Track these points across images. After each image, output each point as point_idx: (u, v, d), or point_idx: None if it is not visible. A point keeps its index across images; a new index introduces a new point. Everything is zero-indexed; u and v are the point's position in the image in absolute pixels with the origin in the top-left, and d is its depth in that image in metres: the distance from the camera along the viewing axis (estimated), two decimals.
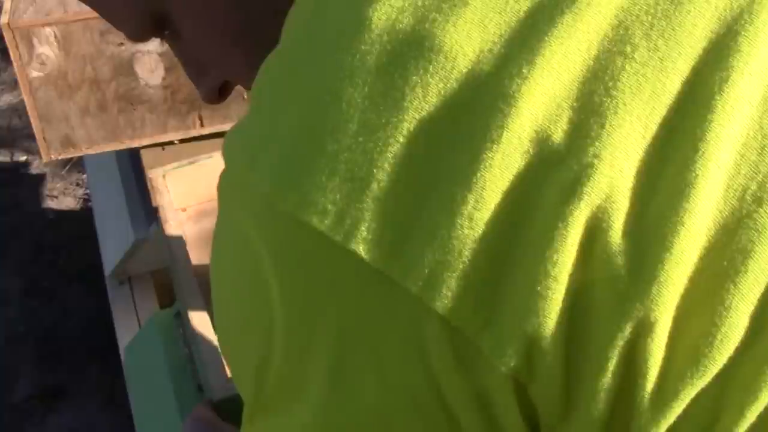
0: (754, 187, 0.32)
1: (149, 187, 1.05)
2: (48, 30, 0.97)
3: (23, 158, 2.43)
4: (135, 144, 1.08)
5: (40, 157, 1.20)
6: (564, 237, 0.31)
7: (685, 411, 0.33)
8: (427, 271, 0.32)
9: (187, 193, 1.08)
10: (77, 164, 2.36)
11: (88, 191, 2.23)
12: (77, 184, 2.36)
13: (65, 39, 0.98)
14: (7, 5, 0.98)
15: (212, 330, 0.81)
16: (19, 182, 2.36)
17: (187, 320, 0.87)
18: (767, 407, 0.33)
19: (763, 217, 0.32)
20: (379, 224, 0.32)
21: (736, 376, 0.33)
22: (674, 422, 0.33)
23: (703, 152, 0.32)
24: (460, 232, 0.31)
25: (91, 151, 1.08)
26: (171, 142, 1.09)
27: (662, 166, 0.32)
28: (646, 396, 0.33)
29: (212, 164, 1.07)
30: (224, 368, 0.79)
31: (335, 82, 0.33)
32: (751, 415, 0.33)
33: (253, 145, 0.34)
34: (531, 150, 0.32)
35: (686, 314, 0.32)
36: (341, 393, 0.34)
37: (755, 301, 0.32)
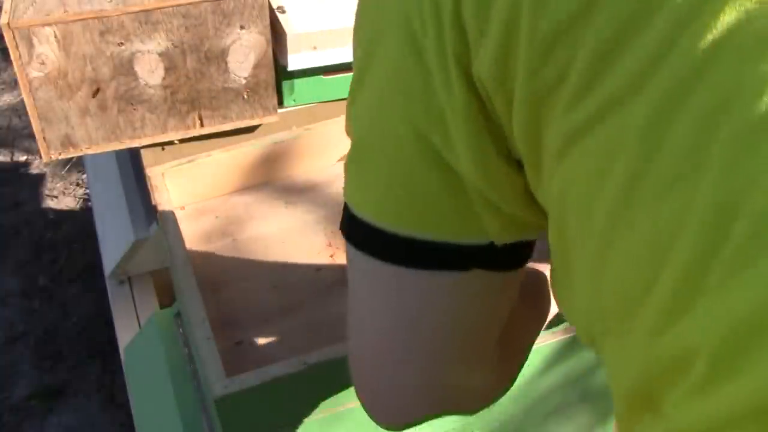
0: None
1: (148, 185, 1.05)
2: (48, 30, 0.97)
3: (23, 158, 2.44)
4: (135, 144, 1.08)
5: (40, 157, 1.20)
6: None
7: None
8: None
9: (186, 192, 1.08)
10: (77, 164, 2.36)
11: (88, 191, 2.23)
12: (77, 184, 2.36)
13: (65, 39, 0.98)
14: (7, 5, 0.97)
15: (211, 330, 0.80)
16: (19, 182, 2.36)
17: (187, 320, 0.87)
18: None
19: None
20: None
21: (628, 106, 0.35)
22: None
23: None
24: None
25: (91, 151, 1.08)
26: (171, 142, 1.09)
27: None
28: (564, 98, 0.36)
29: (211, 163, 1.07)
30: (223, 367, 0.79)
31: None
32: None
33: None
34: None
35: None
36: (372, 59, 0.45)
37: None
